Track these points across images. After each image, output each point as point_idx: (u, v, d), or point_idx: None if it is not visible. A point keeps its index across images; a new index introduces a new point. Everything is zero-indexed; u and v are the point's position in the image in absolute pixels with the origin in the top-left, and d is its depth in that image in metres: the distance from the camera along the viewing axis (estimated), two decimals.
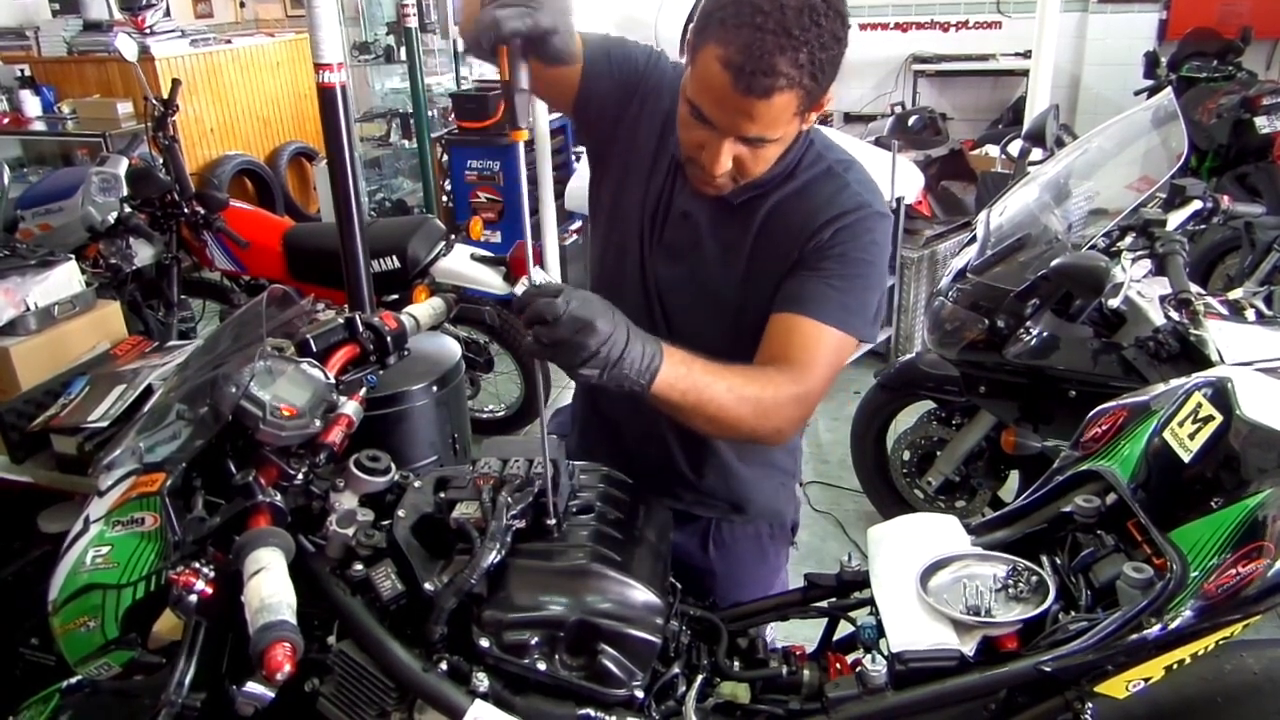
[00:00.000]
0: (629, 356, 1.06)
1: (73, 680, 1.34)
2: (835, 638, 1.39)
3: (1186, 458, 1.14)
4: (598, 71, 1.36)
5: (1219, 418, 1.14)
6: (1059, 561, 1.26)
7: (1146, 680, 1.10)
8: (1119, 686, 1.09)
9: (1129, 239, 2.43)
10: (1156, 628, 1.05)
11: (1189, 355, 2.17)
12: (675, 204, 1.37)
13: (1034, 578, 1.20)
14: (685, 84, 1.22)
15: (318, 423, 1.18)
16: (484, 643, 1.08)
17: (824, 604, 1.38)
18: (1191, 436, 1.14)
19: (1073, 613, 1.17)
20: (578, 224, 4.81)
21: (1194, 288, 2.22)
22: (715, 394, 1.16)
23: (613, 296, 1.17)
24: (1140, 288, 2.47)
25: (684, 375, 1.13)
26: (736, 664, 1.27)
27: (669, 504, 1.43)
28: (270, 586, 0.95)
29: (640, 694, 1.11)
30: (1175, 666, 1.09)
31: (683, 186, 1.36)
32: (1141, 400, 1.31)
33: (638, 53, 1.40)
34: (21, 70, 5.83)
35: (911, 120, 5.43)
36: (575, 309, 1.02)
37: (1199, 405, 1.16)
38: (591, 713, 1.08)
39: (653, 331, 1.15)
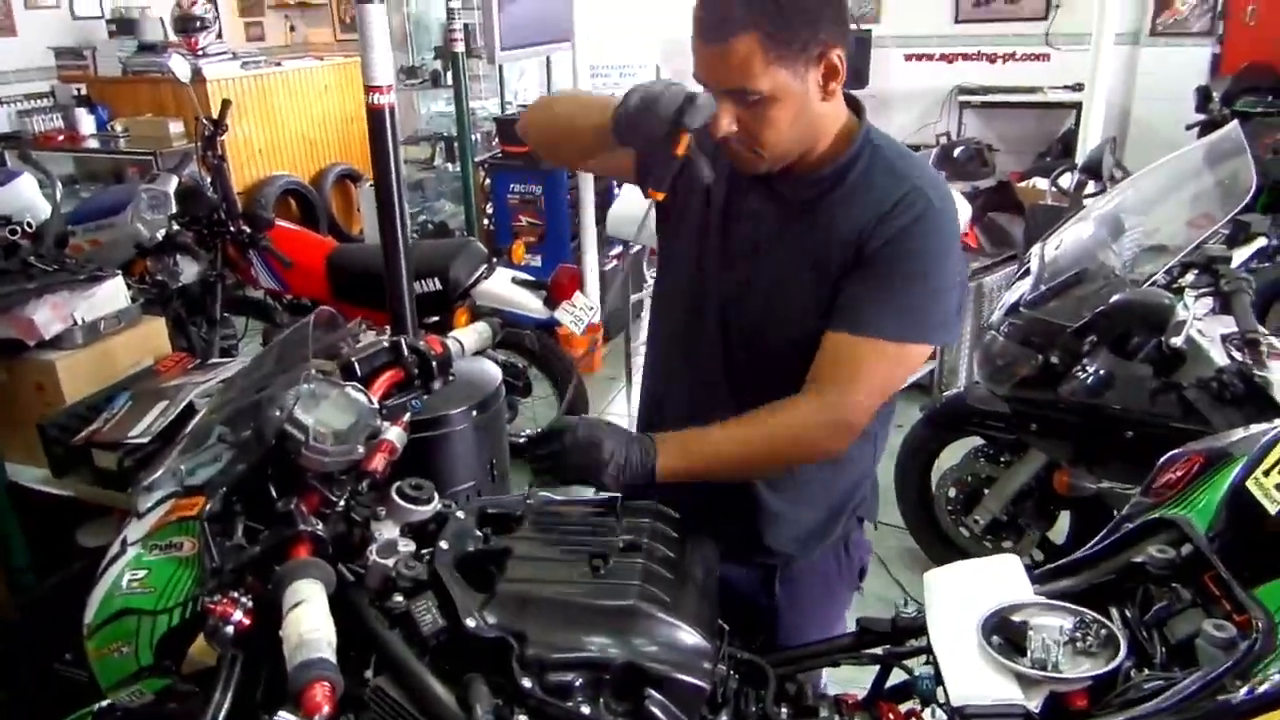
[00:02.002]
0: (631, 459, 1.22)
1: (104, 704, 1.31)
2: (888, 686, 1.33)
3: (1274, 509, 1.07)
4: None
5: None
6: (1130, 615, 1.19)
7: None
8: None
9: (1191, 276, 2.36)
10: (1242, 691, 0.99)
11: (1253, 397, 2.09)
12: (739, 209, 1.37)
13: (1103, 631, 1.13)
14: None
15: (360, 449, 1.15)
16: (526, 683, 1.03)
17: (877, 650, 1.32)
18: (1279, 487, 1.08)
19: (1146, 671, 1.11)
20: (618, 249, 4.79)
21: (1260, 327, 2.15)
22: (723, 450, 1.28)
23: (674, 317, 1.38)
24: (1200, 326, 2.39)
25: (682, 452, 1.26)
26: (785, 711, 1.22)
27: (742, 537, 1.43)
28: (310, 621, 0.91)
29: None
30: None
31: (744, 193, 1.36)
32: (1219, 446, 1.24)
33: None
34: (78, 89, 5.96)
35: (958, 151, 5.35)
36: (581, 435, 1.22)
37: None
38: None
39: (716, 350, 1.37)
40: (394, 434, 1.21)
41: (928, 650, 1.21)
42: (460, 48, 4.68)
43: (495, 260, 3.57)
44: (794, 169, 1.32)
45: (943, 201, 1.30)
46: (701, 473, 1.27)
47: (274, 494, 1.13)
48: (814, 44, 1.20)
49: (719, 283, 1.39)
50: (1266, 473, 1.11)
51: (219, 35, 6.35)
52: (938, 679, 1.16)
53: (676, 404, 1.49)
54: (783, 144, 1.27)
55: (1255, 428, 1.23)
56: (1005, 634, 1.15)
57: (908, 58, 6.60)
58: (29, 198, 3.17)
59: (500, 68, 5.64)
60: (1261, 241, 2.51)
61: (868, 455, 1.49)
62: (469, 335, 1.49)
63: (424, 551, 1.14)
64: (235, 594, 1.00)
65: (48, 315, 2.31)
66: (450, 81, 4.91)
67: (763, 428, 1.27)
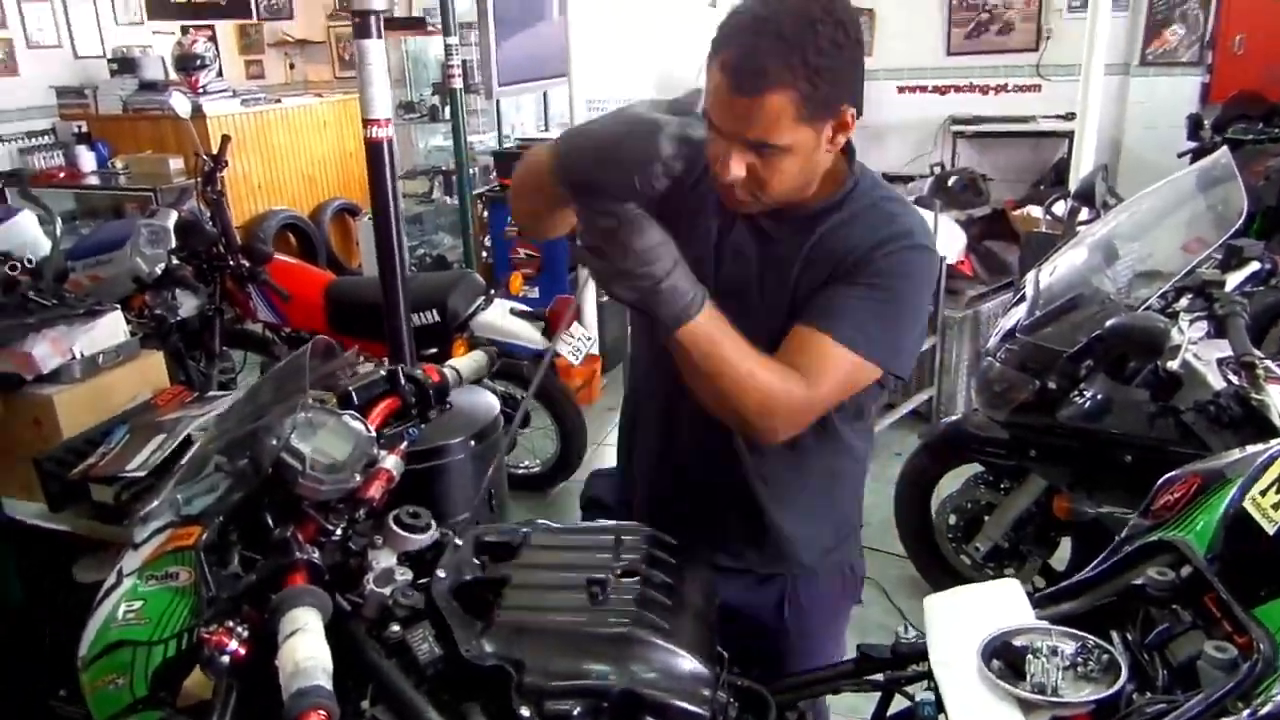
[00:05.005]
0: (667, 286, 1.11)
1: None
2: (889, 713, 1.32)
3: (1271, 529, 1.07)
4: None
5: None
6: (1130, 638, 1.19)
7: None
8: None
9: (1185, 300, 2.37)
10: (1245, 712, 0.98)
11: (1252, 420, 2.09)
12: (727, 244, 1.37)
13: (1104, 655, 1.13)
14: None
15: (358, 477, 1.15)
16: (524, 712, 1.03)
17: (878, 676, 1.31)
18: (1276, 507, 1.07)
19: (1149, 694, 1.10)
20: None
21: (1256, 351, 2.15)
22: (734, 368, 1.19)
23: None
24: (1196, 350, 2.40)
25: (713, 336, 1.17)
26: None
27: (744, 563, 1.45)
28: (306, 649, 0.91)
29: None
30: None
31: (731, 227, 1.37)
32: (1215, 467, 1.24)
33: None
34: (79, 127, 6.01)
35: (951, 181, 5.38)
36: (634, 213, 1.07)
37: None
38: None
39: None
40: (391, 462, 1.21)
41: (929, 676, 1.21)
42: (458, 84, 4.74)
43: (493, 292, 3.59)
44: (783, 209, 1.33)
45: (929, 242, 1.33)
46: (702, 368, 1.18)
47: (270, 523, 1.12)
48: (839, 105, 1.23)
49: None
50: (1264, 492, 1.11)
51: (219, 73, 6.42)
52: (939, 705, 1.15)
53: (645, 421, 1.54)
54: (784, 191, 1.28)
55: (1251, 448, 1.23)
56: (1006, 659, 1.15)
57: (901, 89, 6.67)
58: (29, 234, 3.19)
59: (498, 102, 5.71)
60: (1255, 266, 2.51)
61: (859, 474, 1.54)
62: (465, 364, 1.50)
63: (421, 580, 1.13)
64: (231, 623, 0.99)
65: (46, 350, 2.31)
66: (448, 116, 4.97)
67: (769, 379, 1.20)
